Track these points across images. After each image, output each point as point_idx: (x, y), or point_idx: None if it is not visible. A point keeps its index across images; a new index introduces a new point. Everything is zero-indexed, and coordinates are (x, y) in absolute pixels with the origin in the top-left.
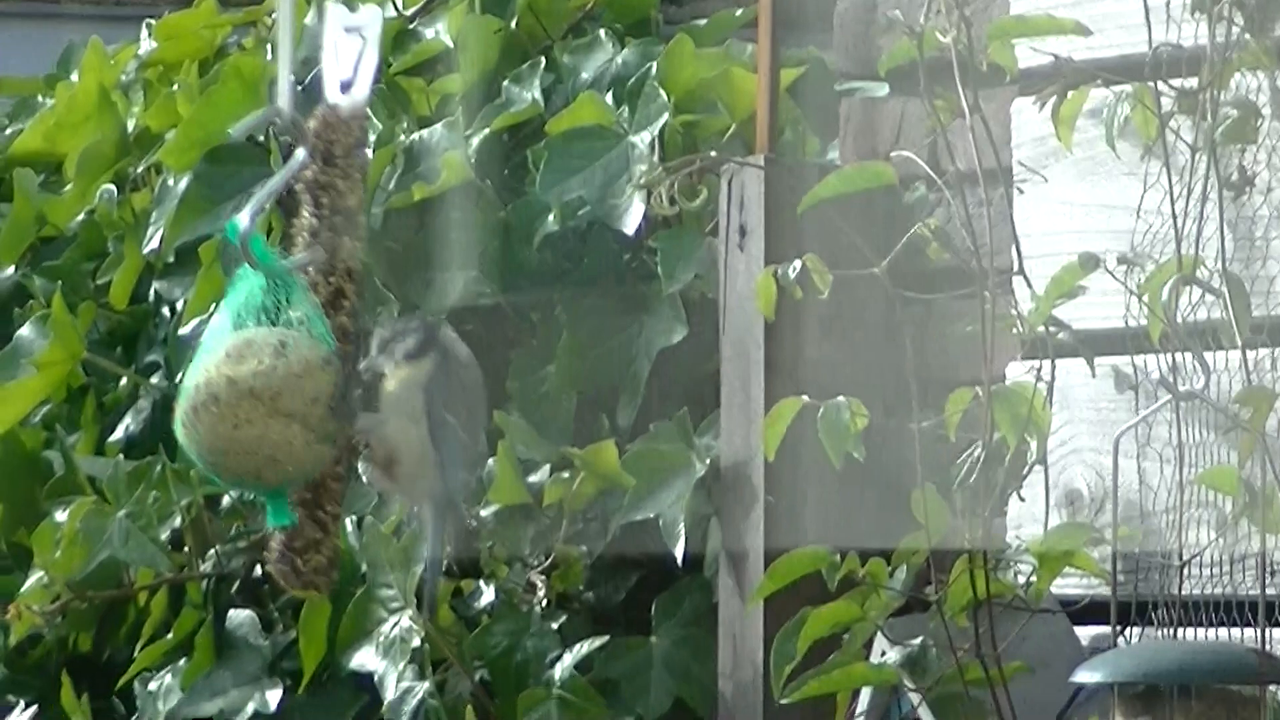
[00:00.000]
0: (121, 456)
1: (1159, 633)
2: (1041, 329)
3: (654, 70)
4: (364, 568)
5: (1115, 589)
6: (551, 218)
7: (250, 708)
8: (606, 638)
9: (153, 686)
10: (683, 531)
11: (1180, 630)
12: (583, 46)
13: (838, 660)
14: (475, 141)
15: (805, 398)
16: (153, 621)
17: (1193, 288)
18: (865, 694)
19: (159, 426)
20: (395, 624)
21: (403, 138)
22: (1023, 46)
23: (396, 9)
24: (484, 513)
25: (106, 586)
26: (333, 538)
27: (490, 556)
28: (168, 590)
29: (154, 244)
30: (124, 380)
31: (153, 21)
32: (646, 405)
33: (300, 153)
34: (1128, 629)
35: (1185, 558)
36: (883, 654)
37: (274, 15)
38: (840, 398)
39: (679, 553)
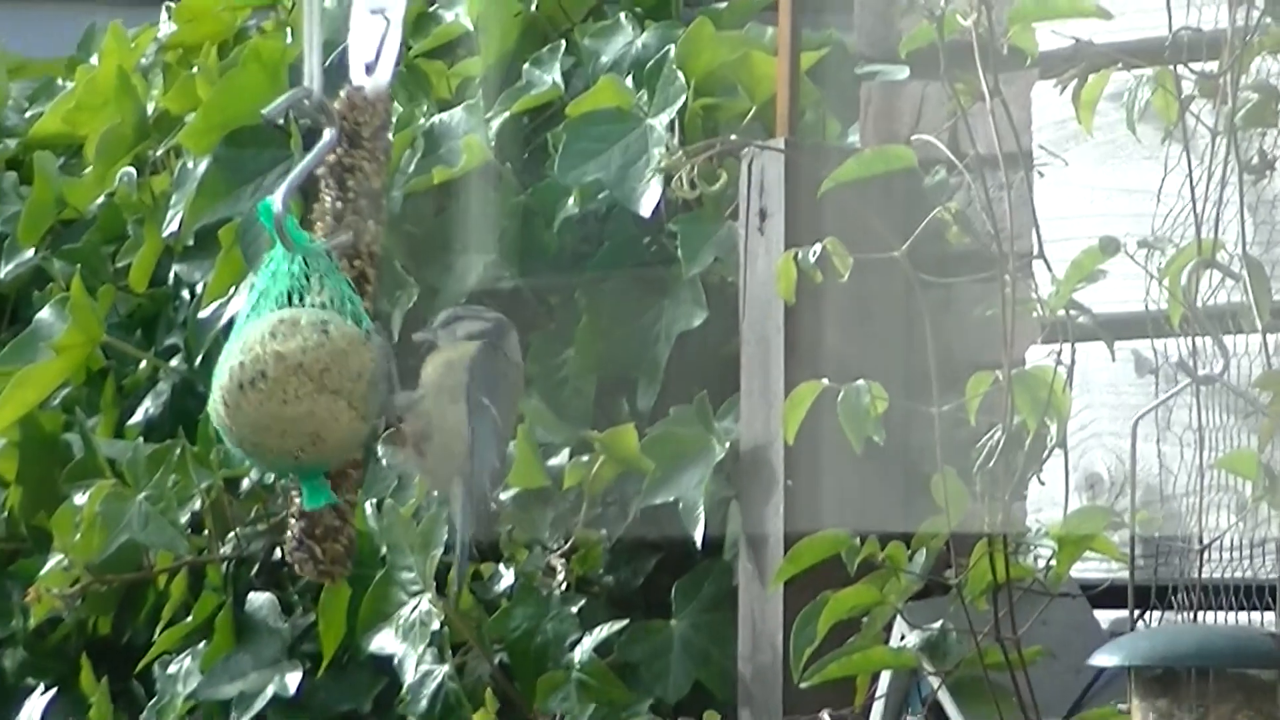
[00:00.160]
0: (141, 439)
1: (1179, 617)
2: (1062, 313)
3: (674, 53)
4: (384, 551)
5: (1133, 573)
6: (571, 201)
7: (270, 690)
8: (626, 621)
9: (172, 669)
10: (702, 515)
11: (1200, 614)
12: (603, 30)
13: (857, 644)
14: (495, 124)
15: (825, 381)
16: (172, 604)
17: (1213, 272)
18: (885, 677)
19: (178, 410)
20: (415, 607)
21: (422, 121)
22: (1043, 30)
23: None
24: (503, 496)
25: (126, 569)
26: (350, 525)
27: (510, 540)
28: (187, 573)
29: (173, 227)
30: (143, 363)
31: (172, 4)
32: (666, 389)
33: (329, 134)
34: (1148, 613)
35: (1205, 542)
36: (902, 637)
37: None
38: (860, 381)
39: (698, 536)
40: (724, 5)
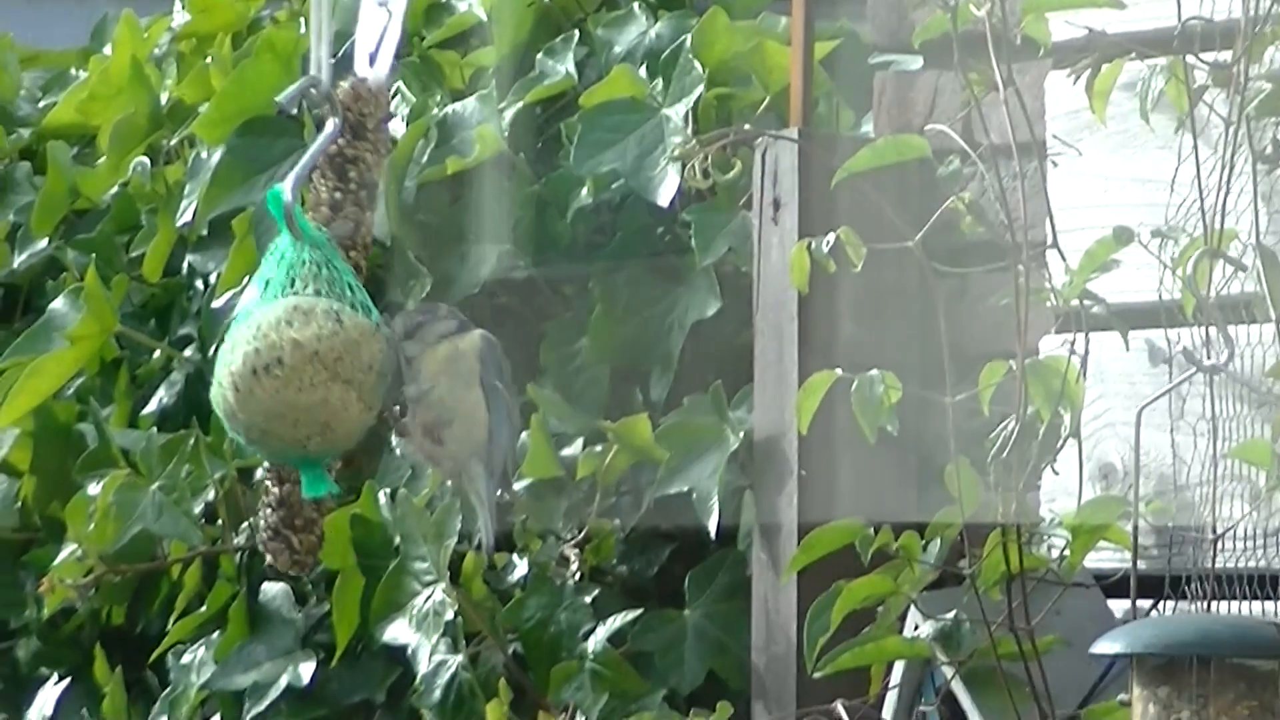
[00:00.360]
0: (155, 429)
1: (1192, 606)
2: (1075, 302)
3: (688, 43)
4: (397, 540)
5: (1135, 561)
6: (585, 191)
7: (283, 680)
8: (640, 611)
9: (186, 659)
10: (716, 505)
11: (1213, 604)
12: (616, 19)
13: (871, 634)
14: (509, 115)
15: (839, 371)
16: (186, 594)
17: (1225, 261)
18: (898, 667)
19: (192, 399)
20: (428, 597)
21: (436, 111)
22: (1057, 19)
23: None
24: (517, 486)
25: (140, 559)
26: (323, 518)
27: (523, 530)
28: (201, 563)
29: (187, 217)
30: (157, 353)
31: None
32: (680, 378)
33: (332, 124)
34: (1160, 603)
35: (1218, 532)
36: (916, 628)
37: None
38: (874, 371)
39: (712, 526)
40: None
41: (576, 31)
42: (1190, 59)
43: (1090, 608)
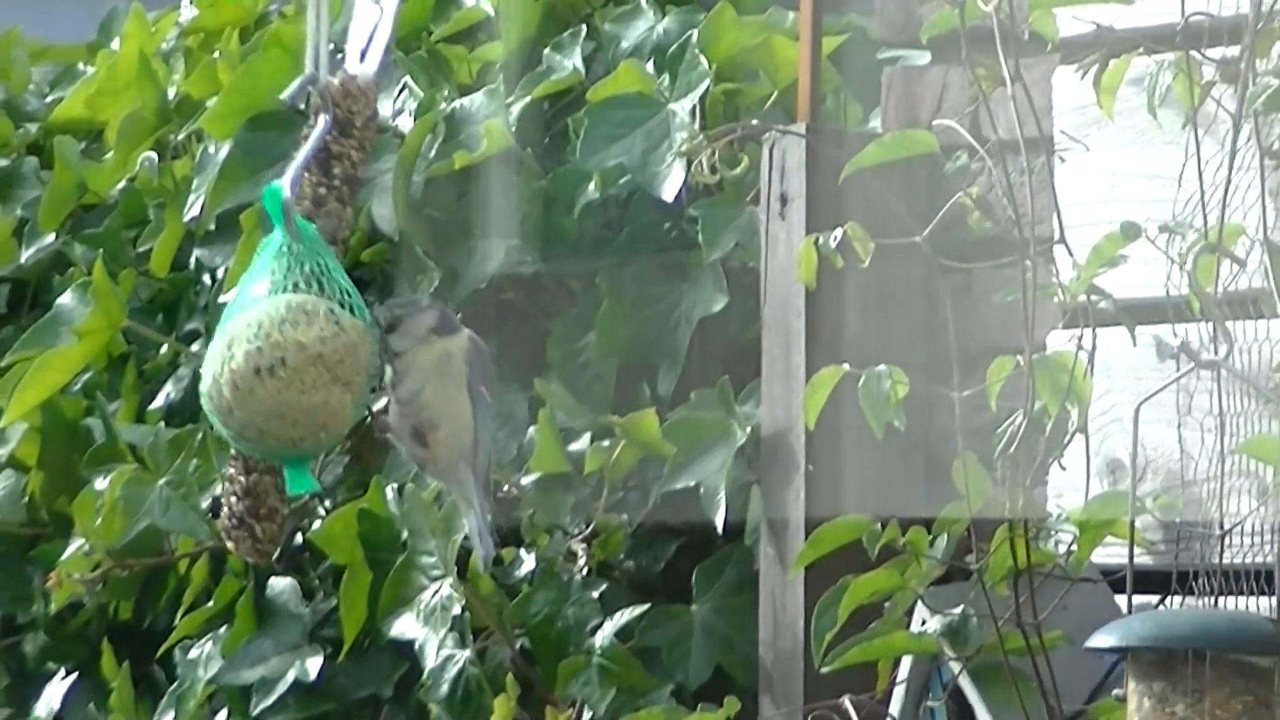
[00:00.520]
0: (162, 424)
1: (1199, 602)
2: (1083, 298)
3: (695, 38)
4: (404, 535)
5: (1131, 555)
6: (592, 186)
7: (291, 675)
8: (647, 606)
9: (193, 654)
10: (723, 500)
11: (1221, 599)
12: (624, 14)
13: (878, 629)
14: (516, 109)
15: (846, 366)
16: (193, 589)
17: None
18: (906, 662)
19: (199, 394)
20: (436, 592)
21: (443, 105)
22: (1064, 15)
23: None
24: (524, 481)
25: (147, 554)
26: (286, 508)
27: (530, 525)
28: (208, 558)
29: (195, 211)
30: (165, 348)
31: None
32: (687, 374)
33: (323, 120)
34: (1168, 598)
35: (1226, 527)
36: (923, 623)
37: None
38: (881, 366)
39: (719, 521)
40: None
41: (584, 26)
42: (1198, 54)
43: (1097, 603)
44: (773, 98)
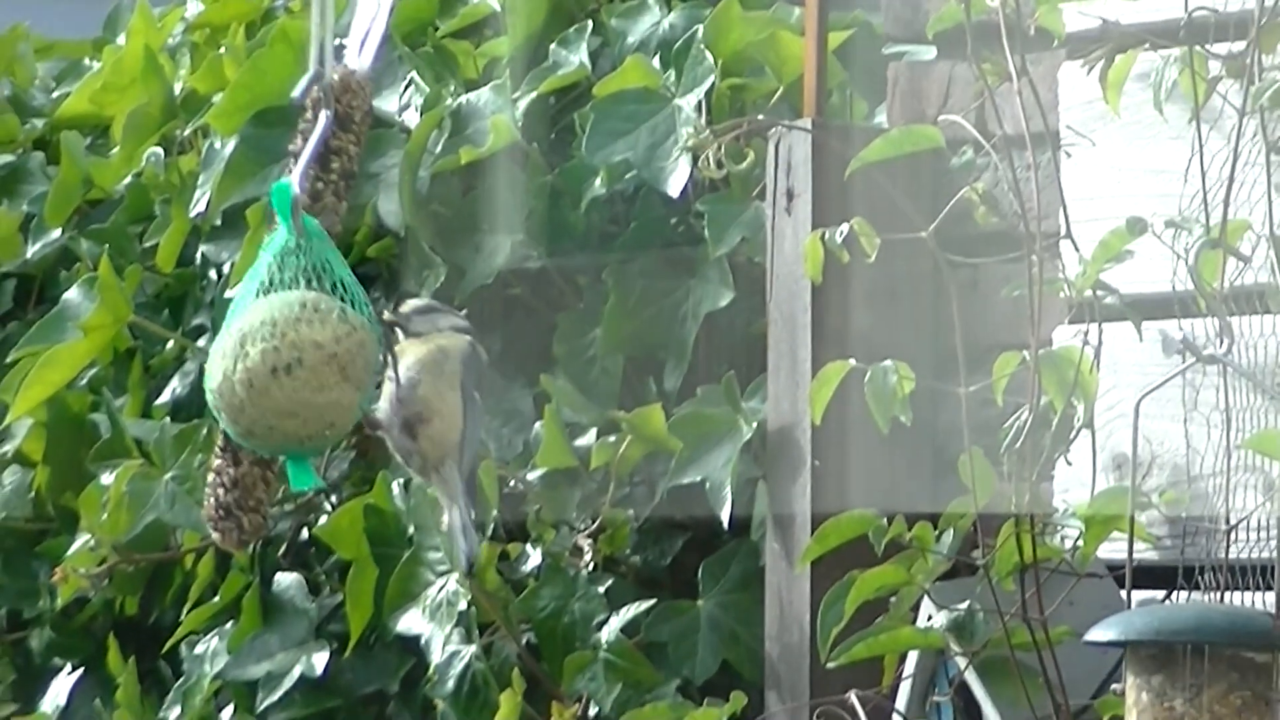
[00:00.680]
0: (168, 419)
1: (1206, 597)
2: (1089, 293)
3: (701, 33)
4: (410, 531)
5: (1131, 549)
6: (598, 181)
7: (297, 670)
8: (653, 601)
9: (199, 649)
10: (730, 495)
11: (1227, 595)
12: (630, 9)
13: (885, 624)
14: (522, 104)
15: (852, 361)
16: (199, 584)
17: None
18: (912, 657)
19: (207, 391)
20: (442, 587)
21: (450, 101)
22: (1070, 10)
23: None
24: (530, 476)
25: (153, 549)
26: (269, 500)
27: (537, 520)
28: (214, 553)
29: (201, 207)
30: (171, 343)
31: None
32: (693, 369)
33: (325, 115)
34: (1173, 593)
35: (1231, 522)
36: (929, 618)
37: None
38: (887, 361)
39: (726, 516)
40: None
41: (590, 21)
42: (1203, 49)
43: (1103, 598)
44: (778, 93)
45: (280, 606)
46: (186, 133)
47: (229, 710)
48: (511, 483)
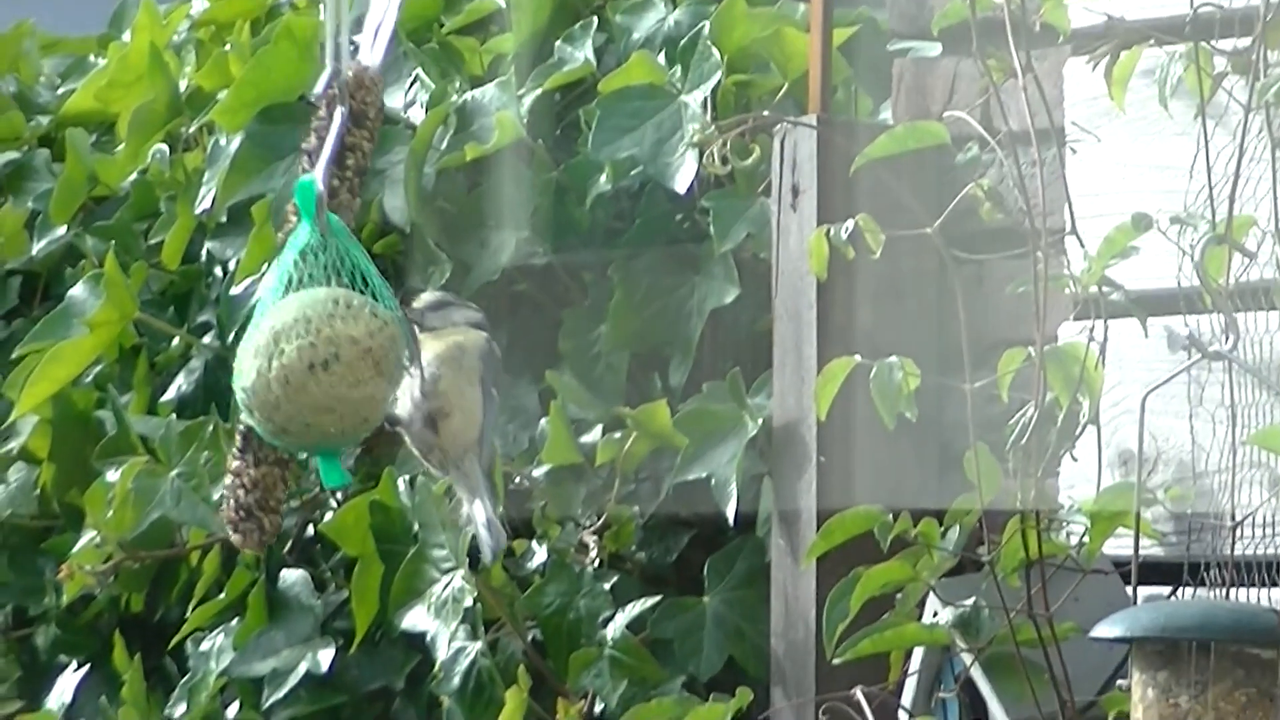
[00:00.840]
0: (174, 416)
1: (1211, 593)
2: (1094, 289)
3: (706, 29)
4: (415, 527)
5: (1137, 545)
6: (604, 177)
7: (302, 667)
8: (659, 598)
9: (205, 646)
10: (735, 491)
11: (1232, 591)
12: (635, 6)
13: (890, 620)
14: (528, 101)
15: (857, 357)
16: (205, 581)
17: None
18: (918, 654)
19: (211, 386)
20: (447, 584)
21: (455, 97)
22: (1076, 6)
23: None
24: (536, 473)
25: (159, 546)
26: (286, 501)
27: (542, 516)
28: (220, 550)
29: (206, 204)
30: (176, 340)
31: None
32: (699, 365)
33: (341, 112)
34: (1179, 589)
35: (1237, 519)
36: (935, 614)
37: None
38: (893, 357)
39: (731, 513)
40: None
41: (595, 18)
42: (1208, 45)
43: (1109, 594)
44: (784, 89)
45: (286, 603)
46: (192, 129)
47: (234, 707)
48: (517, 479)
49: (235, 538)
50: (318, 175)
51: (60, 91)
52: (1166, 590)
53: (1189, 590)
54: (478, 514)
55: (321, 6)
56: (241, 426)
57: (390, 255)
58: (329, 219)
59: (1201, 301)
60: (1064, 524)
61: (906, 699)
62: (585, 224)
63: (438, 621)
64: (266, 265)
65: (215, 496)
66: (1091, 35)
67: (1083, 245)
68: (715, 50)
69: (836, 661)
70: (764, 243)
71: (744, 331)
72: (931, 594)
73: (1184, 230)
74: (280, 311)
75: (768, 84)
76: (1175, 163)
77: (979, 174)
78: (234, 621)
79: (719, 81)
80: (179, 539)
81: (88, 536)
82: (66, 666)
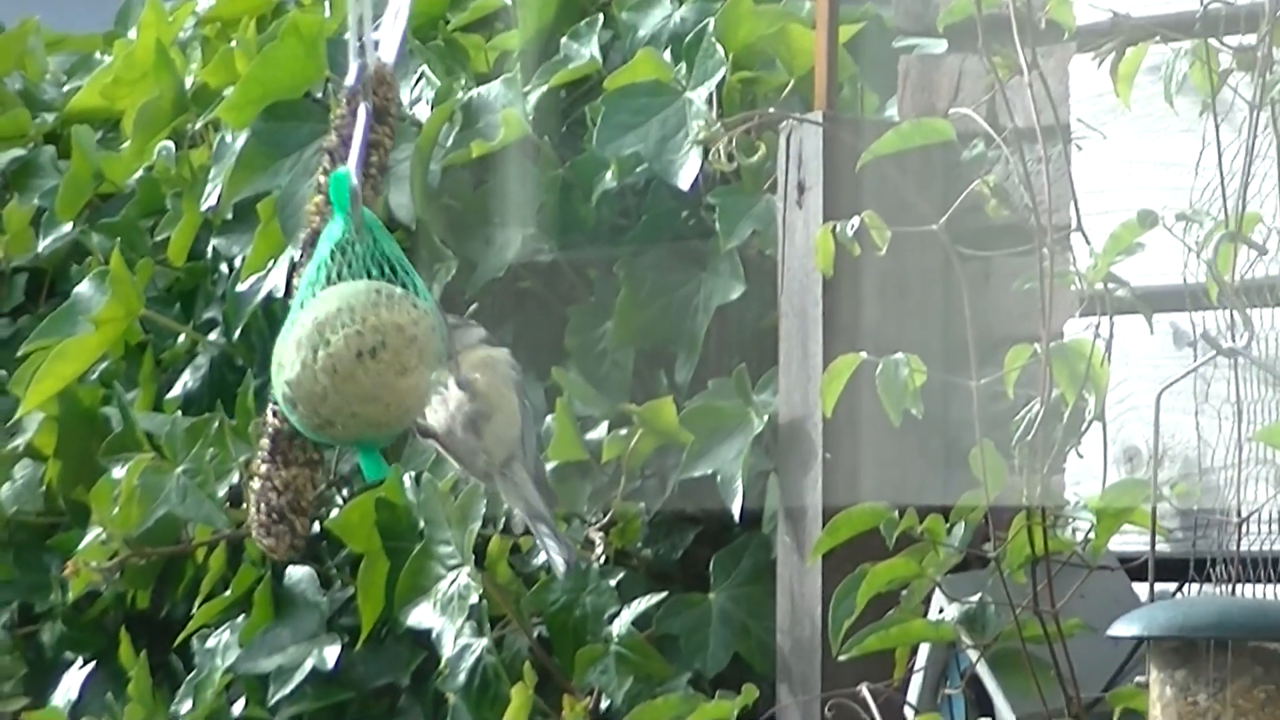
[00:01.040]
0: (179, 413)
1: (1218, 590)
2: (1100, 286)
3: (712, 26)
4: (421, 524)
5: (1154, 543)
6: (609, 174)
7: (308, 664)
8: (664, 594)
9: (211, 643)
10: (741, 488)
11: (1238, 587)
12: (641, 3)
13: (896, 616)
14: (533, 98)
15: (863, 354)
16: (211, 578)
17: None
18: (923, 650)
19: (217, 383)
20: (453, 581)
21: (461, 94)
22: (1081, 3)
23: None
24: None
25: (164, 543)
26: (315, 503)
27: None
28: (226, 547)
29: (212, 200)
30: (182, 337)
31: None
32: (704, 362)
33: (365, 108)
34: (1185, 586)
35: (1243, 515)
36: (941, 610)
37: None
38: (898, 354)
39: (737, 509)
40: None
41: (601, 15)
42: (1215, 42)
43: (1115, 591)
44: (789, 86)
45: (292, 600)
46: (198, 126)
47: (240, 704)
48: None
49: (267, 542)
50: (351, 169)
51: (66, 89)
52: (1173, 587)
53: (1195, 587)
54: (542, 529)
55: (328, 3)
56: (268, 429)
57: None
58: (364, 213)
59: (1207, 298)
60: (1070, 520)
61: (912, 695)
62: (591, 221)
63: (443, 618)
64: (273, 262)
65: (221, 493)
66: (1097, 32)
67: (1088, 242)
68: (720, 47)
69: (842, 658)
70: (769, 239)
71: (750, 328)
72: (937, 590)
73: (1189, 227)
74: (320, 304)
75: (773, 81)
76: (1181, 159)
77: (985, 171)
78: (240, 618)
79: (724, 78)
80: (185, 536)
81: (93, 533)
82: (72, 663)
